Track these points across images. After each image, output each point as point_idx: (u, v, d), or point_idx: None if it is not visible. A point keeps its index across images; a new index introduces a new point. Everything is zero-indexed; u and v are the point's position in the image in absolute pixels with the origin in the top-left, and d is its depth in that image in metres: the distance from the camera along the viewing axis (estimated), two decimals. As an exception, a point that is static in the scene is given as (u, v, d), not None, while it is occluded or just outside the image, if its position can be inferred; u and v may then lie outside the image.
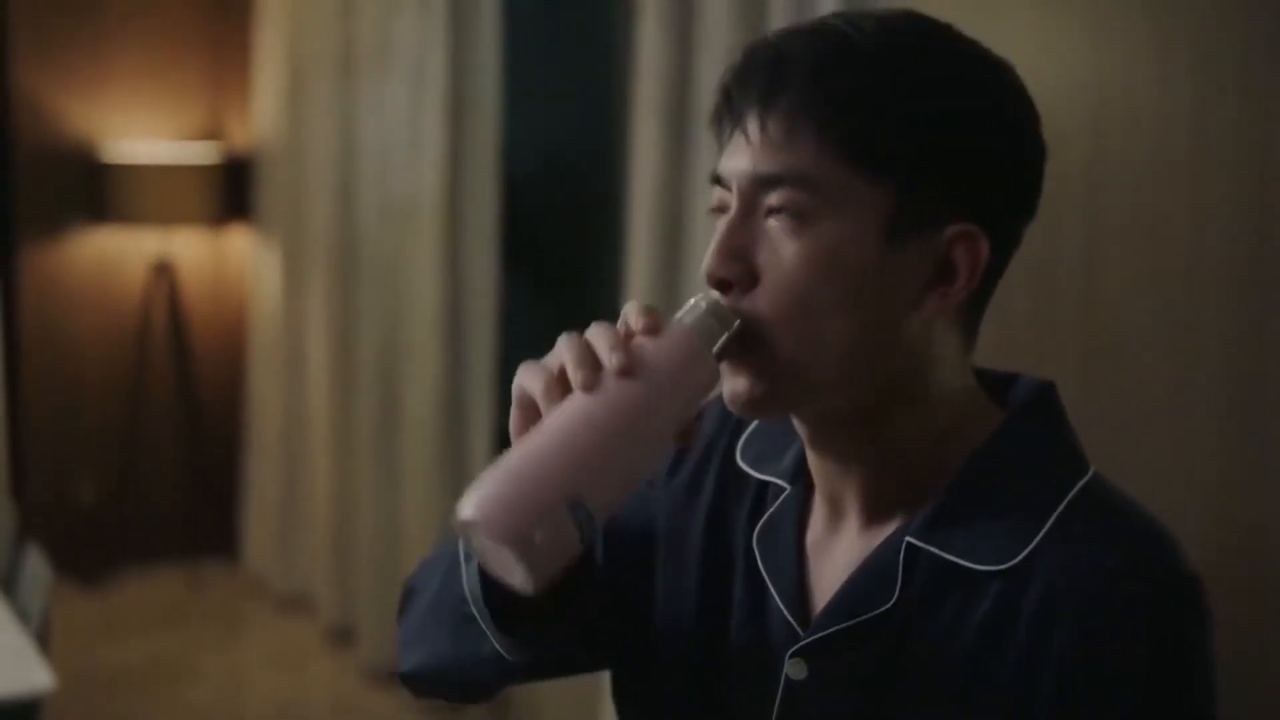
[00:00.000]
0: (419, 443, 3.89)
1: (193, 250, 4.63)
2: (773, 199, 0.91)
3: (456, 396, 3.85)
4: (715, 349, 0.91)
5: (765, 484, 1.06)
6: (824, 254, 0.90)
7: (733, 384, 0.94)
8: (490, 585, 0.96)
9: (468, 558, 0.99)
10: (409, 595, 1.12)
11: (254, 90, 4.53)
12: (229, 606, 4.55)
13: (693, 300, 0.93)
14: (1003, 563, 0.90)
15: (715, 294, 0.92)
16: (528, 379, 0.89)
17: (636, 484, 0.92)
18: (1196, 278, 1.84)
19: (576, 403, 0.86)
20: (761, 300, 0.91)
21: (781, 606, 1.00)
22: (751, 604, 1.02)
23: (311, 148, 4.25)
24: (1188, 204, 1.85)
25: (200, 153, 4.44)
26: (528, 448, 0.86)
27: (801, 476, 1.03)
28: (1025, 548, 0.90)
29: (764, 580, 1.01)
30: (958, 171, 0.91)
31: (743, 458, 1.08)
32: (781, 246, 0.91)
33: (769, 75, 0.92)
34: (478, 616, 0.99)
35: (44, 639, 2.57)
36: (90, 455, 4.57)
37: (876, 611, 0.93)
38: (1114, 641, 0.87)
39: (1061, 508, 0.91)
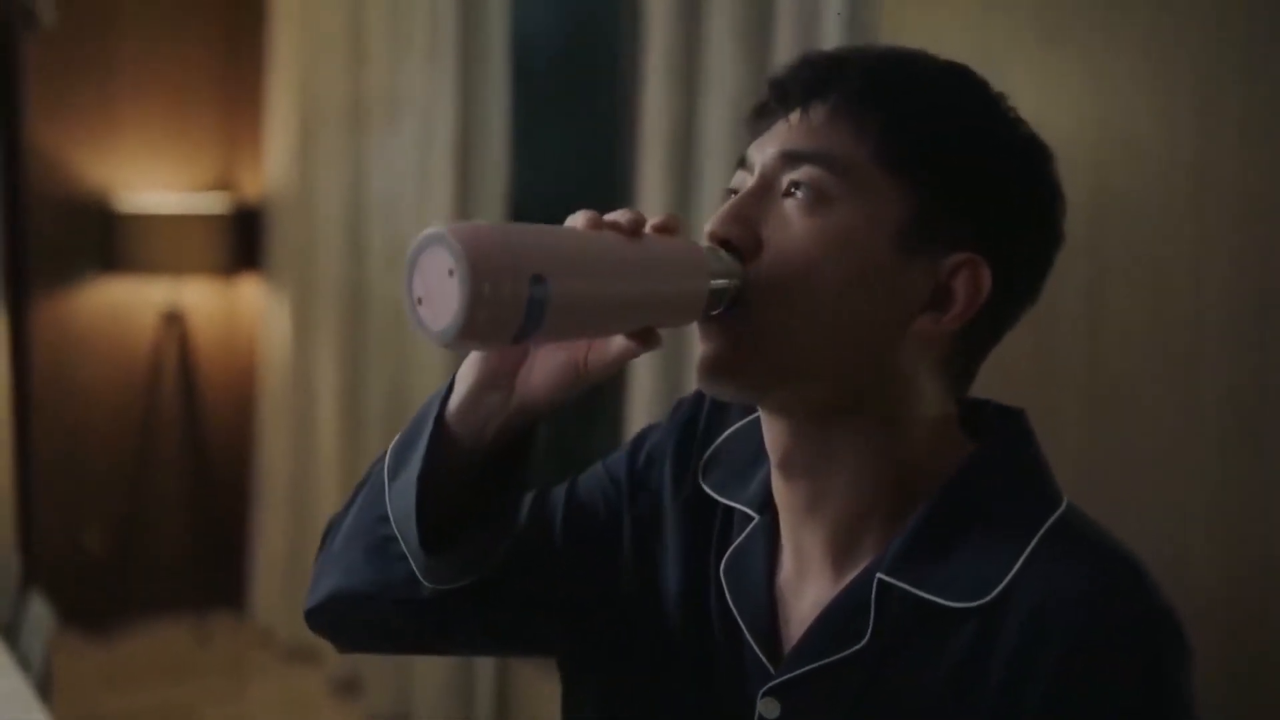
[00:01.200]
0: (426, 491, 3.87)
1: (203, 300, 4.64)
2: (796, 174, 0.92)
3: (464, 445, 3.83)
4: (711, 285, 0.90)
5: (731, 510, 1.04)
6: (835, 234, 0.90)
7: (709, 347, 0.93)
8: (420, 505, 0.93)
9: (392, 478, 0.97)
10: (328, 531, 1.09)
11: (265, 141, 4.56)
12: (236, 656, 4.52)
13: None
14: (978, 599, 0.89)
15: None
16: None
17: (588, 332, 0.91)
18: (1199, 317, 1.83)
19: (577, 230, 0.89)
20: (762, 268, 0.91)
21: (752, 643, 0.98)
22: (727, 637, 1.00)
23: (321, 198, 4.26)
24: (1191, 244, 1.85)
25: (211, 203, 4.47)
26: (523, 224, 0.86)
27: (770, 506, 1.01)
28: (1000, 582, 0.88)
29: (734, 615, 1.00)
30: (980, 201, 0.92)
31: (705, 480, 1.06)
32: (793, 221, 0.92)
33: (823, 69, 0.95)
34: (398, 533, 0.96)
35: (45, 686, 2.56)
36: (98, 505, 4.56)
37: (849, 651, 0.92)
38: (1099, 670, 0.85)
39: (1036, 541, 0.90)
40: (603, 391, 3.41)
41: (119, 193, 4.43)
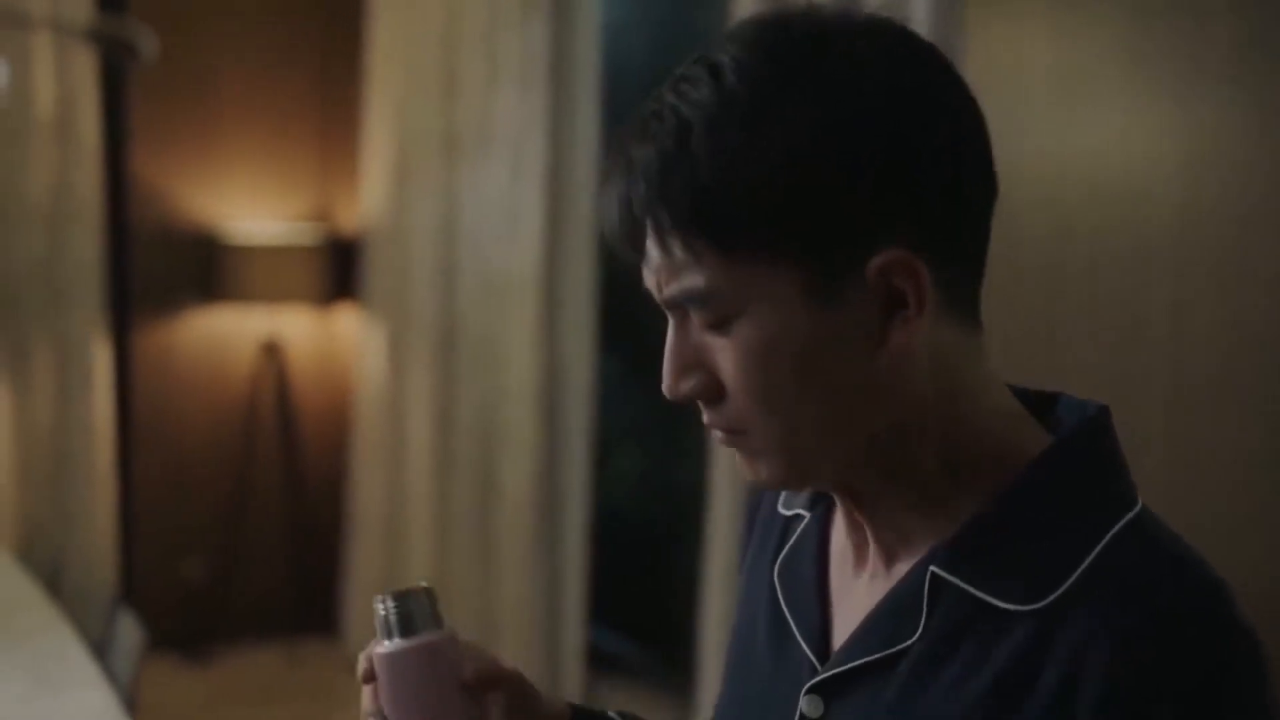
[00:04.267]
0: (515, 523, 3.89)
1: (301, 330, 4.71)
2: (690, 314, 0.89)
3: (553, 477, 3.84)
4: (426, 628, 0.97)
5: (790, 518, 1.04)
6: (759, 349, 0.86)
7: (749, 472, 0.92)
8: None
9: None
10: None
11: (361, 173, 4.63)
12: (328, 683, 4.55)
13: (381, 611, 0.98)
14: (1033, 602, 0.83)
15: (386, 606, 0.98)
16: None
17: None
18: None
19: None
20: (733, 407, 0.89)
21: (801, 642, 0.96)
22: (776, 637, 0.99)
23: (415, 228, 4.31)
24: (1274, 257, 1.80)
25: (309, 234, 4.54)
26: None
27: (821, 500, 1.00)
28: (1059, 587, 0.83)
29: (786, 615, 0.98)
30: (844, 213, 0.84)
31: (780, 502, 1.07)
32: (721, 353, 0.88)
33: (625, 200, 0.87)
34: None
35: (132, 702, 2.60)
36: (197, 532, 4.63)
37: (897, 648, 0.88)
38: (1170, 695, 0.79)
39: (1102, 545, 0.84)
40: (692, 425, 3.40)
41: (219, 223, 4.52)
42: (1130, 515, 0.86)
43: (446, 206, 4.17)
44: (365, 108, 4.57)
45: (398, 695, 0.97)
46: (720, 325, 0.87)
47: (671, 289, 0.88)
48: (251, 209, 4.60)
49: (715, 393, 0.89)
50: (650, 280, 0.90)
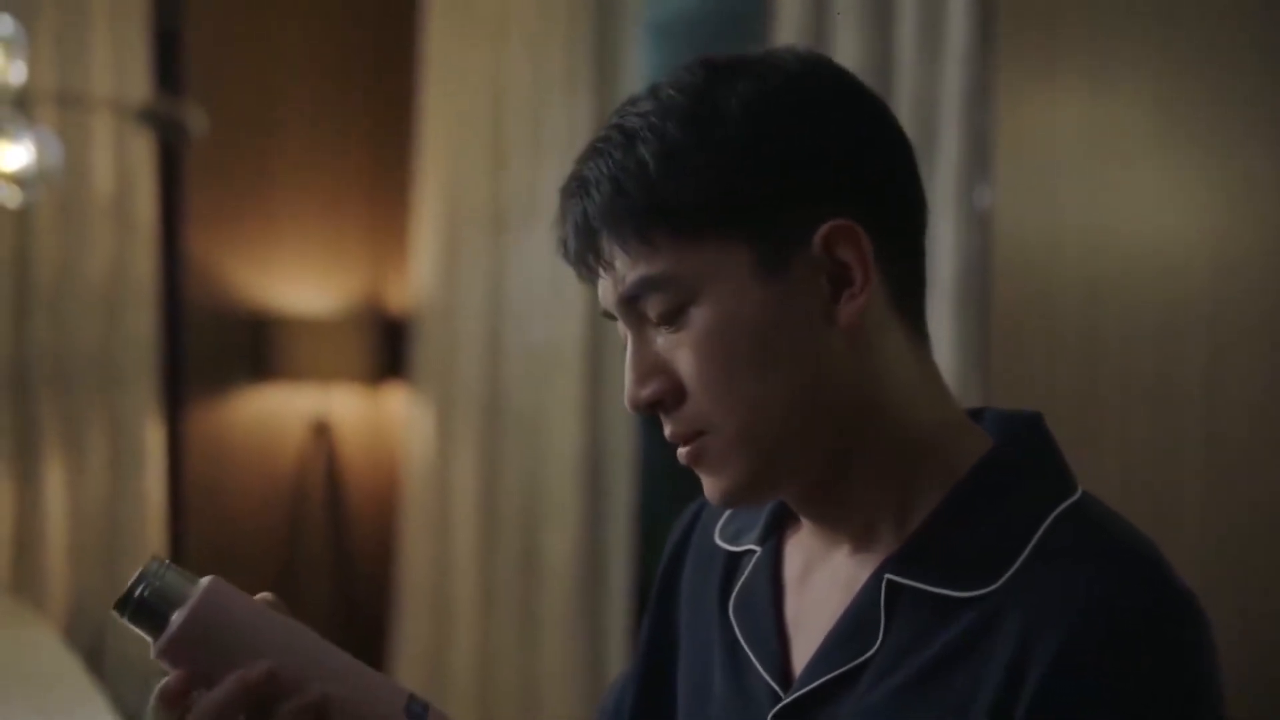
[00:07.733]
0: (559, 596, 3.86)
1: (350, 408, 4.73)
2: (647, 311, 0.91)
3: (596, 550, 3.82)
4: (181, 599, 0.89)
5: (738, 555, 1.03)
6: (717, 332, 0.89)
7: (711, 486, 0.93)
8: None
9: None
10: None
11: (410, 251, 4.67)
12: (375, 765, 4.51)
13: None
14: (982, 587, 0.86)
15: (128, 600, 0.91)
16: None
17: None
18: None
19: None
20: (694, 405, 0.90)
21: (763, 673, 0.95)
22: (733, 673, 0.98)
23: (463, 304, 4.34)
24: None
25: (360, 313, 4.57)
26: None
27: (773, 533, 1.01)
28: (1006, 571, 0.85)
29: (744, 649, 0.98)
30: (784, 187, 0.88)
31: (722, 537, 1.05)
32: (679, 349, 0.90)
33: (582, 215, 0.92)
34: None
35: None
36: (245, 608, 4.62)
37: (859, 660, 0.89)
38: (1099, 672, 0.81)
39: (1044, 528, 0.87)
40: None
41: (270, 302, 4.56)
42: (1071, 499, 0.89)
43: (493, 282, 4.19)
44: (415, 186, 4.62)
45: (217, 652, 0.89)
46: (675, 316, 0.90)
47: (627, 284, 0.90)
48: (303, 288, 4.64)
49: (676, 395, 0.91)
50: (606, 293, 0.93)
